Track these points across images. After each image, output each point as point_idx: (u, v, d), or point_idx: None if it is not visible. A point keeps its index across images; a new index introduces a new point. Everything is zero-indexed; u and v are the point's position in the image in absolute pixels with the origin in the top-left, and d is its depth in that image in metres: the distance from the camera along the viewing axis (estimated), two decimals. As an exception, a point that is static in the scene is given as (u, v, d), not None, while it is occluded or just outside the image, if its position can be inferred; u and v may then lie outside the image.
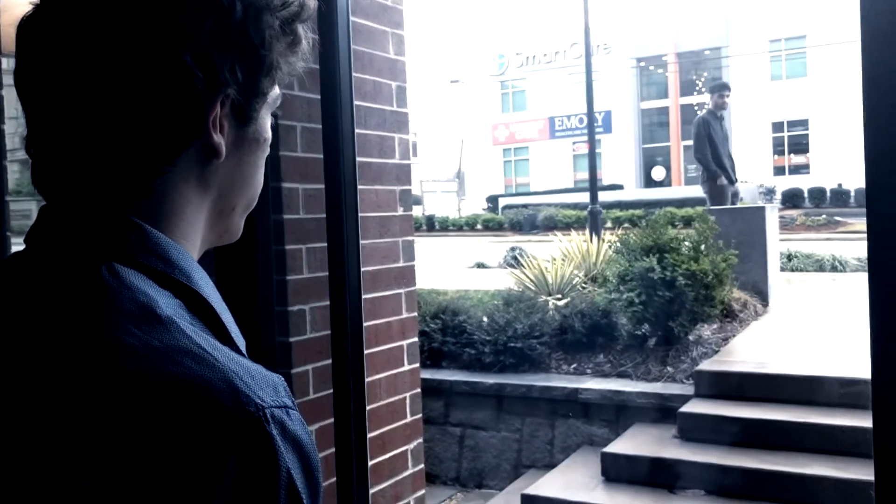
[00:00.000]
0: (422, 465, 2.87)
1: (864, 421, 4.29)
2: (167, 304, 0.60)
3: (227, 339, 0.64)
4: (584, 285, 7.47)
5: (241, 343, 0.67)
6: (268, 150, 0.75)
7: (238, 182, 0.72)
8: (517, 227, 23.44)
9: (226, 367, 0.57)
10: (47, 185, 0.67)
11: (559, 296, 7.13)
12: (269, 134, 0.74)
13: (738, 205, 8.33)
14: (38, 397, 0.57)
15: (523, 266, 7.97)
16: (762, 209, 7.41)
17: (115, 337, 0.57)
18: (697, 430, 4.82)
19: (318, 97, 2.19)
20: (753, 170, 29.60)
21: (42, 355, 0.58)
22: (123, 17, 0.62)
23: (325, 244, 2.23)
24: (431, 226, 25.66)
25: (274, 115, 0.76)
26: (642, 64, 34.23)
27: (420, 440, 2.86)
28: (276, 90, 0.73)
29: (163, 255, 0.64)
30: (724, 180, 8.08)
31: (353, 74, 2.07)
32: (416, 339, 2.88)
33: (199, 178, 0.68)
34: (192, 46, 0.63)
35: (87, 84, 0.63)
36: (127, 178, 0.65)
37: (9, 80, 2.72)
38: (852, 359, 5.12)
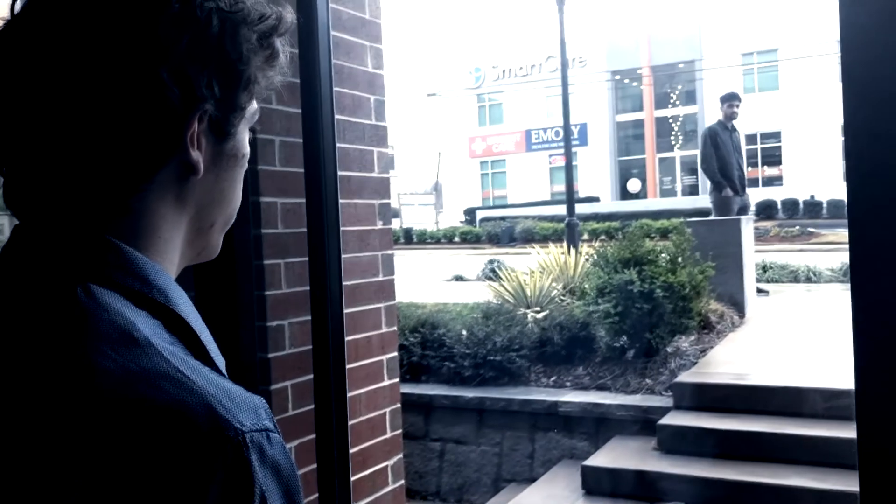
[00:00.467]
0: (402, 481, 2.84)
1: (845, 431, 4.33)
2: (145, 325, 0.59)
3: (206, 359, 0.63)
4: (562, 298, 7.49)
5: (220, 362, 0.66)
6: (246, 166, 0.74)
7: (217, 198, 0.71)
8: (495, 239, 23.50)
9: (204, 390, 0.56)
10: (20, 203, 0.65)
11: (538, 308, 7.14)
12: (247, 149, 0.73)
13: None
14: (15, 422, 0.55)
15: (502, 279, 7.98)
16: (738, 221, 7.49)
17: (91, 360, 0.56)
18: (677, 443, 4.84)
19: (296, 111, 2.17)
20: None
21: (18, 379, 0.57)
22: (98, 32, 0.61)
23: (304, 259, 2.21)
24: (409, 239, 25.65)
25: (252, 130, 0.75)
26: (617, 77, 34.58)
27: (400, 456, 2.83)
28: (254, 105, 0.72)
29: (140, 275, 0.63)
30: (729, 192, 8.03)
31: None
32: (395, 353, 2.85)
33: (177, 195, 0.67)
34: (168, 62, 0.62)
35: (61, 101, 0.62)
36: (103, 197, 0.63)
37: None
38: (831, 370, 5.17)
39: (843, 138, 1.03)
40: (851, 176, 1.02)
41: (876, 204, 1.09)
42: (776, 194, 25.42)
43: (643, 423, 5.24)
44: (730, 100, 8.35)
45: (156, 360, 0.57)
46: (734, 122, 8.26)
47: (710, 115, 31.69)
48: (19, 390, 0.56)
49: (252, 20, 0.67)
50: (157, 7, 0.62)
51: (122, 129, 0.62)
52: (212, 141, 0.67)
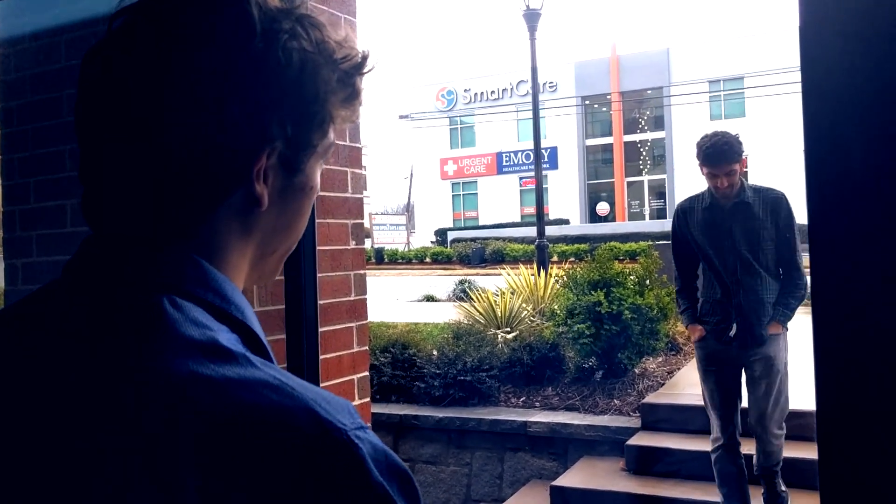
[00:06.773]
0: (372, 501, 2.84)
1: (808, 452, 4.41)
2: (227, 340, 0.60)
3: None
4: (532, 319, 7.54)
5: None
6: (314, 197, 0.74)
7: (280, 228, 0.72)
8: (465, 260, 23.56)
9: (303, 395, 0.57)
10: (95, 217, 0.66)
11: (508, 329, 7.17)
12: (316, 182, 0.73)
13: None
14: (112, 434, 0.54)
15: (472, 299, 8.01)
16: (704, 244, 7.59)
17: (189, 369, 0.56)
18: (644, 463, 4.88)
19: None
20: (695, 206, 30.39)
21: (108, 390, 0.56)
22: (178, 66, 0.63)
23: (279, 277, 2.22)
24: (380, 259, 25.61)
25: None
26: (587, 102, 35.04)
27: (370, 475, 2.84)
28: (330, 139, 0.72)
29: (219, 291, 0.64)
30: (696, 326, 3.95)
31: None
32: (366, 373, 2.87)
33: (243, 224, 0.68)
34: (242, 100, 0.63)
35: (139, 129, 0.63)
36: (170, 223, 0.65)
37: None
38: (793, 391, 5.26)
39: (804, 164, 1.08)
40: (812, 197, 1.06)
41: (837, 226, 1.13)
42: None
43: (611, 444, 5.29)
44: (708, 164, 3.73)
45: (251, 370, 0.57)
46: (730, 198, 3.84)
47: (678, 140, 32.30)
48: (112, 402, 0.55)
49: (336, 60, 0.68)
50: (239, 44, 0.63)
51: (191, 159, 0.63)
52: (281, 175, 0.68)
